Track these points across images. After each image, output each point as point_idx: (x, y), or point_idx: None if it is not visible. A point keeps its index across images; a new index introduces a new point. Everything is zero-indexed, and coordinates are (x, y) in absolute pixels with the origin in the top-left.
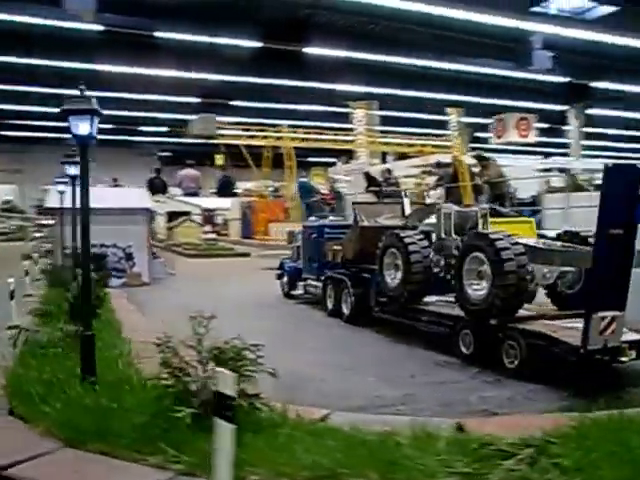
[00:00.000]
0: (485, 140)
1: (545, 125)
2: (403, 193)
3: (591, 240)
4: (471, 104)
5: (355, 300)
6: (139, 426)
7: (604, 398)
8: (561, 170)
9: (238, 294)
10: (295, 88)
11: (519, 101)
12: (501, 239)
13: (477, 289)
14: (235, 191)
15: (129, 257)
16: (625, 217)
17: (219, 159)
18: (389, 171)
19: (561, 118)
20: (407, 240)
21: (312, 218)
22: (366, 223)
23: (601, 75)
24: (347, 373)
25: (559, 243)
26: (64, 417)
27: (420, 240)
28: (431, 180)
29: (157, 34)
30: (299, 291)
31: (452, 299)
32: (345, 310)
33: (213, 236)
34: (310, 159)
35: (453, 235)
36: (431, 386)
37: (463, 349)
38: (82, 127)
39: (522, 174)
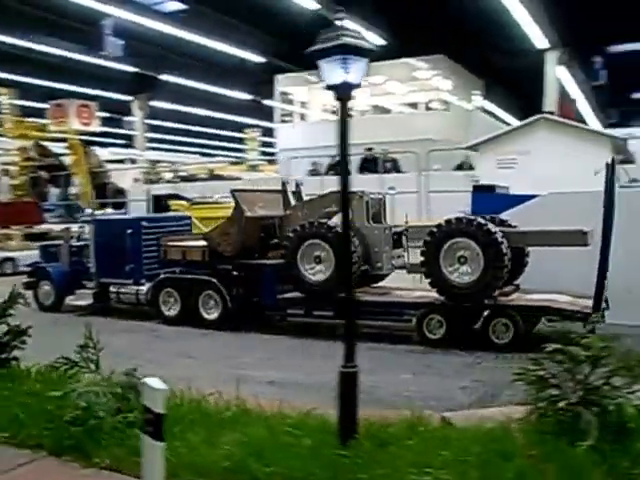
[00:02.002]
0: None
1: (107, 114)
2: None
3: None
4: (28, 85)
5: (232, 301)
6: None
7: None
8: (133, 161)
9: None
10: None
11: (82, 87)
12: (487, 223)
13: (460, 273)
14: None
15: None
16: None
17: None
18: None
19: (126, 108)
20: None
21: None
22: (250, 213)
23: (167, 68)
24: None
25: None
26: None
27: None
28: None
29: None
30: (83, 301)
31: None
32: (207, 315)
33: None
34: None
35: (371, 223)
36: (494, 372)
37: (429, 335)
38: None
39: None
